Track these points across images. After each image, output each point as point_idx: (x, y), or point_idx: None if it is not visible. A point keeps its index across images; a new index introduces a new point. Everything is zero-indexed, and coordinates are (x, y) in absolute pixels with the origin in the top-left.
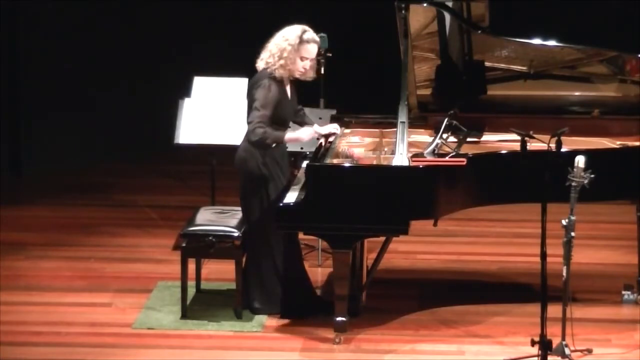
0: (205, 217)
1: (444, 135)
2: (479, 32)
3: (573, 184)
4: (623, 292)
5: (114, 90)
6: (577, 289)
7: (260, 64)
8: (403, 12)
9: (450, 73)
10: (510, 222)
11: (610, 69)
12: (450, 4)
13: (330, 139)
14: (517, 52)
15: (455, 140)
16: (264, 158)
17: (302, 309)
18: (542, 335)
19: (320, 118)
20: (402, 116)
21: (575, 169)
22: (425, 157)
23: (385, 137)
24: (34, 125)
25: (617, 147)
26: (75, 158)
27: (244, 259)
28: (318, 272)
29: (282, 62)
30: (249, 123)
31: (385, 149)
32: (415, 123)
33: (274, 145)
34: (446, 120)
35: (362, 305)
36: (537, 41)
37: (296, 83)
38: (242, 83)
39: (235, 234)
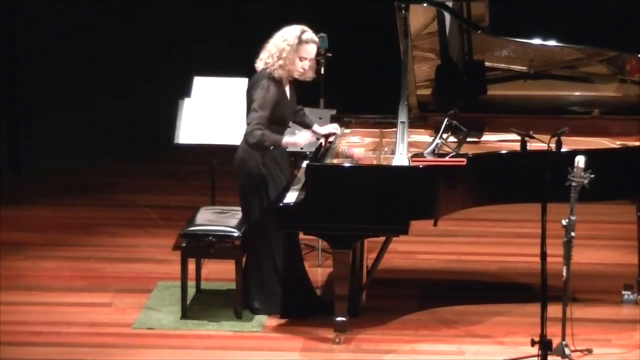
0: (205, 217)
1: (444, 135)
2: (479, 32)
3: (573, 184)
4: (623, 292)
5: (114, 90)
6: (577, 289)
7: (259, 64)
8: (403, 12)
9: (450, 73)
10: (510, 222)
11: (610, 69)
12: (450, 4)
13: (330, 139)
14: (517, 52)
15: (455, 140)
16: (264, 158)
17: (302, 309)
18: (542, 335)
19: (320, 118)
20: (402, 116)
21: (575, 169)
22: (425, 157)
23: (385, 137)
24: (34, 125)
25: (617, 147)
26: (75, 158)
27: (244, 259)
28: (318, 272)
29: (281, 62)
30: (247, 124)
31: (385, 149)
32: (415, 123)
33: (271, 147)
34: (446, 120)
35: (362, 305)
36: (537, 41)
37: (295, 83)
38: (242, 83)
39: (235, 234)
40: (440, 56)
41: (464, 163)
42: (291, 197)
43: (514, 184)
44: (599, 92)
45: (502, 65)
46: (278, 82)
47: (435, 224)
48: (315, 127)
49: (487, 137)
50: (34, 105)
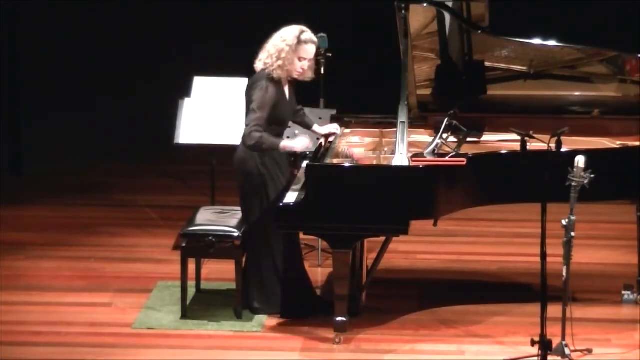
0: (205, 217)
1: (444, 135)
2: (479, 32)
3: (573, 184)
4: (623, 292)
5: (114, 90)
6: (577, 289)
7: (258, 65)
8: (403, 12)
9: (450, 73)
10: (510, 222)
11: (610, 69)
12: (450, 4)
13: (330, 139)
14: (517, 52)
15: (455, 140)
16: (263, 158)
17: (302, 309)
18: (542, 335)
19: (320, 118)
20: (402, 116)
21: (575, 169)
22: (425, 157)
23: (385, 137)
24: (34, 125)
25: (617, 147)
26: (75, 158)
27: (244, 259)
28: (318, 272)
29: (280, 62)
30: (246, 125)
31: (385, 149)
32: (415, 123)
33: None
34: (446, 120)
35: (362, 305)
36: (537, 41)
37: (295, 83)
38: (242, 83)
39: (235, 234)
40: (440, 56)
41: (464, 163)
42: (291, 197)
43: (514, 184)
44: (599, 92)
45: (502, 65)
46: (277, 83)
47: (435, 224)
48: (315, 127)
49: (487, 137)
50: (34, 105)
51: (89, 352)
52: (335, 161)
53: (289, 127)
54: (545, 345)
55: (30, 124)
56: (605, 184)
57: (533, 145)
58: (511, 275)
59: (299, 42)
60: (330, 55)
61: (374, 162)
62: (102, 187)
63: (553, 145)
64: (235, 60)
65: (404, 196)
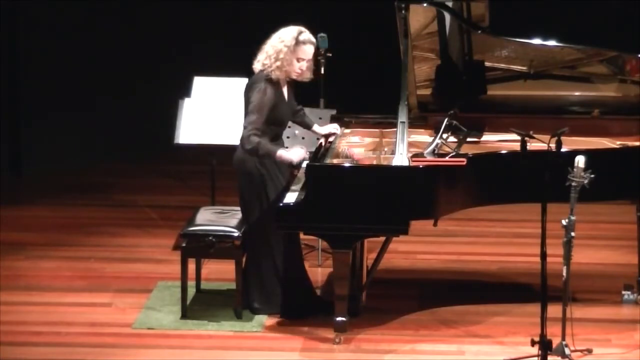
0: (205, 217)
1: (444, 135)
2: (479, 32)
3: (573, 184)
4: (623, 292)
5: (114, 90)
6: (577, 289)
7: (256, 66)
8: (403, 12)
9: (450, 73)
10: (510, 222)
11: (610, 69)
12: (450, 4)
13: (330, 139)
14: (517, 52)
15: (455, 140)
16: (262, 159)
17: (302, 309)
18: (542, 335)
19: (320, 118)
20: (402, 116)
21: (575, 169)
22: (425, 157)
23: (385, 137)
24: (34, 125)
25: (617, 147)
26: (75, 158)
27: (244, 259)
28: (318, 272)
29: (278, 63)
30: (244, 127)
31: (385, 149)
32: (415, 123)
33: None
34: (446, 120)
35: (362, 305)
36: (537, 41)
37: (294, 83)
38: (241, 83)
39: (235, 234)
40: (440, 56)
41: (464, 163)
42: (291, 197)
43: (514, 184)
44: (599, 92)
45: (502, 65)
46: (275, 84)
47: (435, 224)
48: (315, 127)
49: (487, 137)
50: (34, 105)
51: (89, 352)
52: (335, 161)
53: (289, 127)
54: (545, 345)
55: (30, 124)
56: (605, 184)
57: (533, 145)
58: (511, 275)
59: (297, 42)
60: (330, 55)
61: (374, 162)
62: (102, 187)
63: (553, 145)
64: (235, 60)
65: (404, 196)
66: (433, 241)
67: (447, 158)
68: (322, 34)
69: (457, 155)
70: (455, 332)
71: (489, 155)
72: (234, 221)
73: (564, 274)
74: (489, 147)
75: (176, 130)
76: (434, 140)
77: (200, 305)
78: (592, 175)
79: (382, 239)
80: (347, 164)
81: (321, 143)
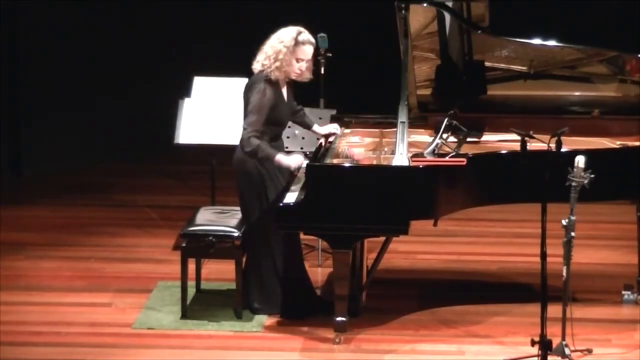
0: (205, 217)
1: (444, 135)
2: (479, 32)
3: (573, 184)
4: (623, 292)
5: (113, 90)
6: (577, 289)
7: (256, 66)
8: (403, 12)
9: (450, 73)
10: (510, 222)
11: (610, 69)
12: (450, 4)
13: (330, 139)
14: (517, 52)
15: (455, 140)
16: (261, 161)
17: (302, 309)
18: (542, 335)
19: (320, 118)
20: (402, 116)
21: (575, 169)
22: (425, 157)
23: (385, 137)
24: (34, 125)
25: (617, 147)
26: (75, 158)
27: (244, 259)
28: (318, 272)
29: (277, 64)
30: (244, 129)
31: (385, 149)
32: (415, 123)
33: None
34: (446, 120)
35: (362, 305)
36: (537, 41)
37: (293, 84)
38: (241, 83)
39: (235, 234)
40: (440, 56)
41: (464, 163)
42: (291, 197)
43: (514, 184)
44: (599, 92)
45: (502, 65)
46: (275, 85)
47: (435, 224)
48: (315, 127)
49: (487, 137)
50: (34, 105)
51: (89, 352)
52: (335, 161)
53: (289, 127)
54: (545, 345)
55: (30, 124)
56: (605, 184)
57: (533, 145)
58: (511, 275)
59: (297, 43)
60: (330, 55)
61: (374, 162)
62: (102, 187)
63: (553, 145)
64: (235, 60)
65: (404, 196)
66: (433, 241)
67: (447, 158)
68: (322, 34)
69: (457, 155)
70: (455, 332)
71: (489, 155)
72: (234, 221)
73: (564, 274)
74: (489, 147)
75: (176, 130)
76: (434, 140)
77: (200, 305)
78: (592, 175)
79: (382, 239)
80: (347, 164)
81: (321, 143)
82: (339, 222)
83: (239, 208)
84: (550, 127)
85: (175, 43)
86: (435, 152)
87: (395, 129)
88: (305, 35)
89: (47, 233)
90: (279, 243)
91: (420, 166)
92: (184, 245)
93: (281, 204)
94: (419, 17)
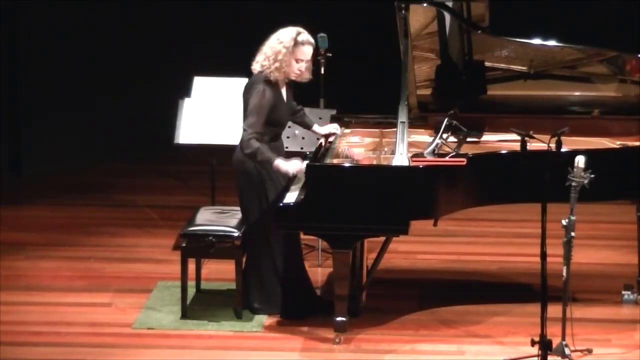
0: (205, 217)
1: (444, 135)
2: (479, 32)
3: (573, 184)
4: (623, 292)
5: (113, 90)
6: (577, 289)
7: (255, 67)
8: (403, 12)
9: (450, 73)
10: (510, 222)
11: (610, 69)
12: (450, 4)
13: (330, 139)
14: (517, 52)
15: (455, 140)
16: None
17: (302, 309)
18: (542, 335)
19: (320, 118)
20: (402, 116)
21: (575, 169)
22: (425, 157)
23: (385, 137)
24: (34, 125)
25: (617, 147)
26: (75, 158)
27: (244, 259)
28: (318, 272)
29: (277, 64)
30: (244, 130)
31: (385, 149)
32: (415, 123)
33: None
34: (446, 120)
35: (362, 305)
36: (537, 41)
37: (293, 84)
38: (241, 83)
39: (235, 234)
40: (440, 56)
41: (464, 163)
42: (291, 197)
43: (514, 184)
44: (599, 92)
45: (502, 65)
46: (274, 85)
47: (435, 224)
48: (315, 127)
49: (487, 137)
50: (34, 105)
51: (89, 352)
52: (335, 161)
53: (289, 127)
54: (545, 345)
55: (30, 124)
56: (605, 184)
57: (533, 145)
58: (511, 275)
59: (296, 43)
60: (330, 55)
61: (374, 162)
62: (102, 187)
63: (553, 145)
64: (235, 60)
65: (404, 196)
66: (433, 241)
67: (447, 158)
68: (322, 34)
69: (457, 155)
70: (455, 332)
71: (489, 155)
72: (234, 221)
73: (564, 274)
74: (489, 147)
75: (176, 130)
76: (434, 140)
77: (200, 305)
78: (592, 175)
79: (382, 239)
80: (347, 164)
81: (321, 143)
82: (339, 222)
83: (239, 208)
84: (550, 127)
85: (175, 43)
86: (435, 152)
87: (395, 129)
88: (305, 36)
89: (47, 233)
90: (279, 243)
91: (420, 166)
92: (184, 245)
93: (281, 204)
94: (419, 17)
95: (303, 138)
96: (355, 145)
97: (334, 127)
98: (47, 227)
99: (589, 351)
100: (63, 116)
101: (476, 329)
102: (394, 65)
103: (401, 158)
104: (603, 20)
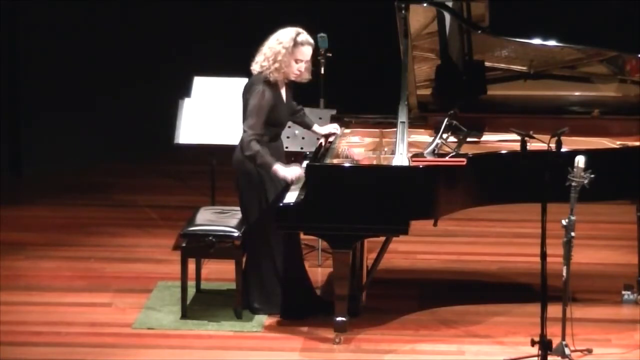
0: (205, 217)
1: (444, 135)
2: (479, 32)
3: (573, 184)
4: (623, 292)
5: (113, 90)
6: (577, 289)
7: (255, 68)
8: (403, 12)
9: (450, 73)
10: (510, 222)
11: (610, 69)
12: (450, 4)
13: (330, 139)
14: (517, 52)
15: (455, 140)
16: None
17: (302, 309)
18: (542, 335)
19: (320, 118)
20: (402, 116)
21: (575, 169)
22: (425, 157)
23: (385, 137)
24: (34, 125)
25: (617, 147)
26: (75, 158)
27: (244, 259)
28: (318, 272)
29: (276, 65)
30: (244, 131)
31: (385, 149)
32: (415, 123)
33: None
34: (446, 120)
35: (362, 305)
36: (537, 41)
37: (292, 84)
38: (241, 83)
39: (235, 234)
40: (440, 56)
41: (464, 163)
42: (291, 197)
43: (514, 184)
44: (599, 92)
45: (502, 65)
46: (274, 86)
47: (435, 224)
48: (315, 127)
49: (487, 137)
50: (34, 105)
51: (89, 352)
52: (335, 161)
53: (289, 127)
54: (545, 345)
55: (30, 124)
56: (605, 184)
57: (533, 145)
58: (511, 275)
59: (295, 44)
60: (330, 55)
61: (374, 162)
62: (102, 187)
63: (553, 145)
64: (235, 60)
65: (404, 196)
66: (433, 241)
67: (447, 158)
68: (322, 34)
69: (457, 155)
70: (455, 332)
71: (489, 155)
72: (234, 221)
73: (564, 274)
74: (489, 147)
75: (176, 130)
76: (434, 140)
77: (200, 305)
78: (592, 175)
79: (382, 239)
80: (347, 164)
81: (321, 143)
82: (339, 222)
83: (239, 208)
84: (550, 127)
85: (175, 43)
86: (435, 152)
87: (395, 129)
88: (304, 36)
89: (47, 233)
90: (279, 243)
91: (420, 166)
92: (184, 245)
93: (281, 204)
94: (419, 17)
95: (303, 138)
96: (355, 145)
97: (334, 127)
98: (47, 227)
99: (589, 351)
100: (63, 116)
101: (476, 329)
102: (394, 65)
103: (401, 158)
104: (603, 20)
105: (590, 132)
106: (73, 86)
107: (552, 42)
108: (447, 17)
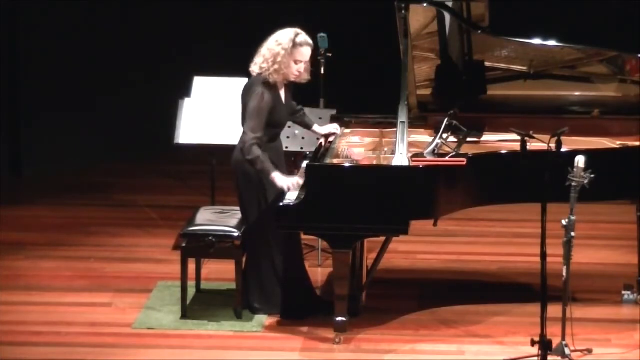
0: (205, 217)
1: (444, 135)
2: (479, 32)
3: (573, 184)
4: (623, 292)
5: (114, 90)
6: (577, 289)
7: (254, 69)
8: (403, 12)
9: (450, 73)
10: (510, 222)
11: (610, 69)
12: (450, 4)
13: (330, 139)
14: (517, 52)
15: (455, 140)
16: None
17: (302, 309)
18: (542, 335)
19: (320, 118)
20: (402, 116)
21: (575, 169)
22: (425, 157)
23: (385, 137)
24: (34, 125)
25: (617, 147)
26: (75, 158)
27: (244, 259)
28: (318, 272)
29: (276, 66)
30: (244, 133)
31: (385, 149)
32: (415, 123)
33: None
34: (446, 120)
35: (362, 305)
36: (537, 41)
37: (292, 85)
38: (241, 83)
39: (235, 234)
40: (440, 56)
41: (464, 163)
42: (291, 197)
43: (514, 184)
44: (599, 92)
45: (502, 65)
46: (273, 87)
47: (435, 224)
48: (315, 127)
49: (487, 137)
50: (34, 105)
51: (89, 352)
52: (335, 161)
53: (289, 127)
54: (545, 345)
55: (30, 124)
56: (605, 184)
57: (533, 145)
58: (511, 275)
59: (295, 45)
60: (330, 55)
61: (374, 162)
62: (102, 187)
63: (553, 145)
64: (235, 60)
65: (404, 196)
66: (433, 241)
67: (447, 158)
68: (322, 34)
69: (457, 155)
70: (455, 332)
71: (489, 155)
72: (234, 221)
73: (564, 274)
74: (489, 147)
75: (176, 130)
76: (434, 140)
77: (200, 305)
78: (592, 175)
79: (382, 239)
80: (347, 164)
81: (321, 143)
82: (339, 222)
83: (239, 208)
84: (550, 127)
85: (175, 43)
86: (435, 152)
87: (395, 129)
88: (303, 37)
89: (47, 233)
90: (278, 243)
91: (420, 166)
92: (184, 245)
93: (281, 204)
94: (419, 17)
95: (303, 138)
96: (355, 145)
97: (334, 127)
98: (47, 227)
99: (589, 351)
100: (63, 116)
101: (476, 329)
102: (394, 65)
103: (401, 158)
104: (603, 20)
105: (590, 132)
106: (73, 86)
107: (552, 42)
108: (447, 17)
